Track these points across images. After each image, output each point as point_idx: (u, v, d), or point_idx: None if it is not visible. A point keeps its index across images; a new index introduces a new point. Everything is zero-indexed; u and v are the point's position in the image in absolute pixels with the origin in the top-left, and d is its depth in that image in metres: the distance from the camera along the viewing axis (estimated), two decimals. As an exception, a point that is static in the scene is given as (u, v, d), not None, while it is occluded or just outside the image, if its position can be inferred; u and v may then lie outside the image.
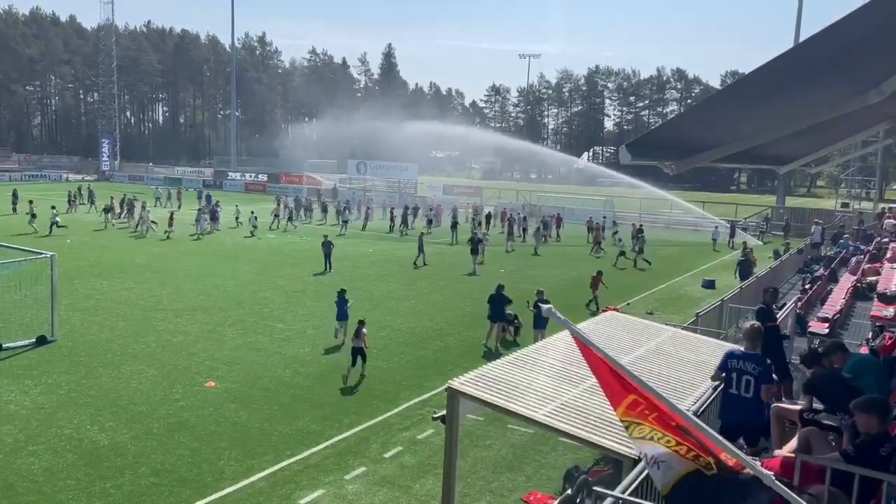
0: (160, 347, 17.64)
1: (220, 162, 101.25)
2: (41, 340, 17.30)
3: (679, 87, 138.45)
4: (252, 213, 42.55)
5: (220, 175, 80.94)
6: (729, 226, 46.67)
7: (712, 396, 7.75)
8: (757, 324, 7.73)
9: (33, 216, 37.40)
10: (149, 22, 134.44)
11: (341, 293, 19.17)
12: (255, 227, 40.54)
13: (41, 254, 18.36)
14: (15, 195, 45.48)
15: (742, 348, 7.40)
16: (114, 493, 10.34)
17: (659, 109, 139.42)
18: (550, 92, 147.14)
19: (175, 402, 14.03)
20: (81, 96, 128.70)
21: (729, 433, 6.39)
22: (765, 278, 20.78)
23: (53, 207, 38.65)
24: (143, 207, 40.30)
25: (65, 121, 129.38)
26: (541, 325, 17.94)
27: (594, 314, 19.59)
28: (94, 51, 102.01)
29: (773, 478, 2.57)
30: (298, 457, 11.83)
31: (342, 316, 18.67)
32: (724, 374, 7.10)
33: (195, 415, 13.40)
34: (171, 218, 38.72)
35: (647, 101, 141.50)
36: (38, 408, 13.42)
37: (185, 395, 14.44)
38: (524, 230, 42.04)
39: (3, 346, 16.65)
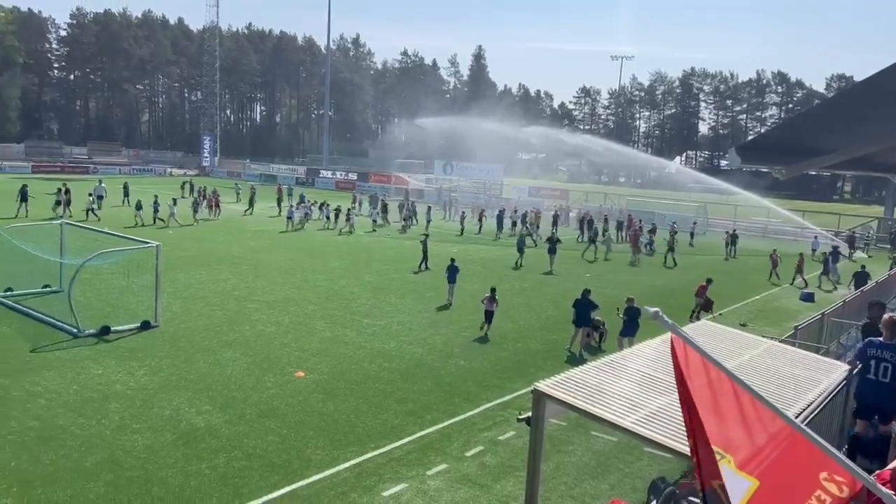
0: (253, 336, 18.37)
1: (313, 160, 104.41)
2: (145, 325, 18.32)
3: (780, 90, 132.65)
4: (375, 209, 45.22)
5: (312, 173, 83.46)
6: (845, 238, 44.55)
7: (819, 408, 7.45)
8: None
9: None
10: (250, 24, 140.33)
11: (452, 261, 24.08)
12: (374, 221, 43.60)
13: (147, 243, 19.43)
14: (126, 189, 47.93)
15: (881, 339, 7.91)
16: (209, 474, 10.85)
17: (758, 114, 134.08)
18: (642, 94, 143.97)
19: (266, 389, 14.58)
20: (186, 95, 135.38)
21: (865, 413, 7.74)
22: (870, 292, 19.62)
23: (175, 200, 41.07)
24: (174, 202, 40.84)
25: (170, 118, 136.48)
26: (629, 332, 17.62)
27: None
28: (199, 52, 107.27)
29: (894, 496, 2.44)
30: (382, 450, 12.06)
31: (452, 280, 23.79)
32: (860, 362, 7.82)
33: (285, 403, 13.88)
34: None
35: (744, 105, 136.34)
36: (142, 388, 14.23)
37: (275, 383, 14.98)
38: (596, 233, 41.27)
39: (112, 328, 17.72)
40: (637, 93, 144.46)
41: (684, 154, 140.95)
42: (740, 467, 3.03)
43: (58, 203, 39.62)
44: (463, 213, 46.93)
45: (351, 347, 17.94)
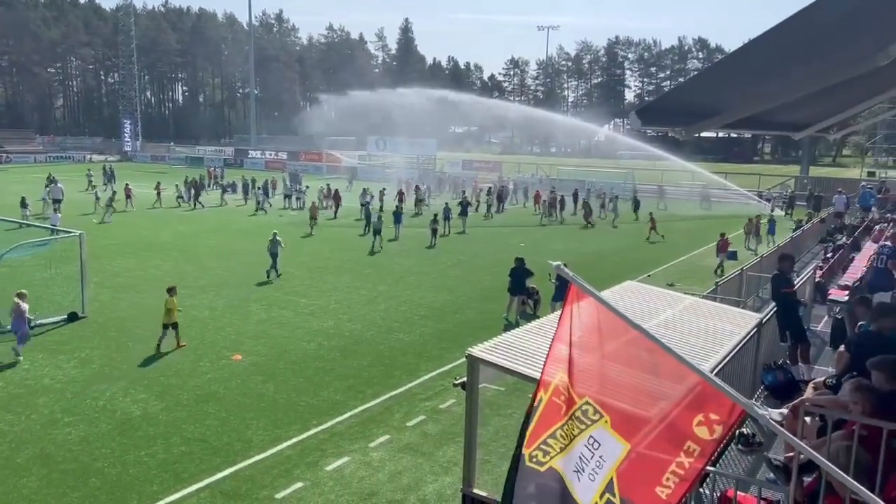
0: (187, 322, 17.99)
1: (241, 140, 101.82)
2: (72, 317, 17.76)
3: (701, 56, 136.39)
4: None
5: (240, 154, 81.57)
6: (776, 197, 46.89)
7: (724, 363, 7.88)
8: None
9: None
10: (166, 2, 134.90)
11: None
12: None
13: (70, 232, 18.77)
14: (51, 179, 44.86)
15: None
16: (147, 461, 10.72)
17: (680, 79, 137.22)
18: (570, 64, 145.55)
19: (203, 374, 14.41)
20: (102, 77, 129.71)
21: None
22: (785, 248, 20.67)
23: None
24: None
25: (87, 102, 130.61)
26: (561, 297, 18.03)
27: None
28: (114, 32, 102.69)
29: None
30: (324, 426, 12.14)
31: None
32: None
33: (223, 386, 13.77)
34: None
35: (668, 72, 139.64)
36: (72, 381, 13.86)
37: (212, 367, 14.81)
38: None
39: (37, 322, 17.05)
40: (564, 63, 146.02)
41: (612, 122, 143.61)
42: (615, 428, 3.18)
43: None
44: (382, 189, 43.38)
45: (288, 328, 17.85)
